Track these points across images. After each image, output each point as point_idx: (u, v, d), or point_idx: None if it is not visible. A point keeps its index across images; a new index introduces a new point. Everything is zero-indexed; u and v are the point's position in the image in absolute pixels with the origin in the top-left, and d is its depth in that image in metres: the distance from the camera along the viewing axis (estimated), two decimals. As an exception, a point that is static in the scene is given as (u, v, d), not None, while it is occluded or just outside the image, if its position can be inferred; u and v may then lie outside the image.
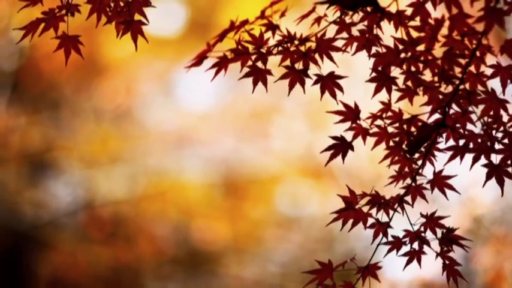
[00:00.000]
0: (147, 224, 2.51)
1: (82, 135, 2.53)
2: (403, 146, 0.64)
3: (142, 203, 2.53)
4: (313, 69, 0.64)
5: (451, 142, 0.63)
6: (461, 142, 0.63)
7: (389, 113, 0.65)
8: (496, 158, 0.62)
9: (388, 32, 0.65)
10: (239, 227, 2.53)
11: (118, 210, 2.51)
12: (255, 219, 2.57)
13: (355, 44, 0.64)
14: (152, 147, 2.54)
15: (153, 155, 2.57)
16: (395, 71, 0.64)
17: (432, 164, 0.64)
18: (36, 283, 2.44)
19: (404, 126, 0.65)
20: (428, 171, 0.65)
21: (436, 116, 0.64)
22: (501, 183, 0.62)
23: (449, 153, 0.63)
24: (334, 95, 0.64)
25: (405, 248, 0.63)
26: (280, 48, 0.64)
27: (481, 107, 0.63)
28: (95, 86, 2.55)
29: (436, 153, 0.64)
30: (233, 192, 2.59)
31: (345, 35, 0.64)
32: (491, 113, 0.63)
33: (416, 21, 0.63)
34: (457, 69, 0.64)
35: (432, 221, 0.63)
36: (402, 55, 0.64)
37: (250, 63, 0.64)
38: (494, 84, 0.64)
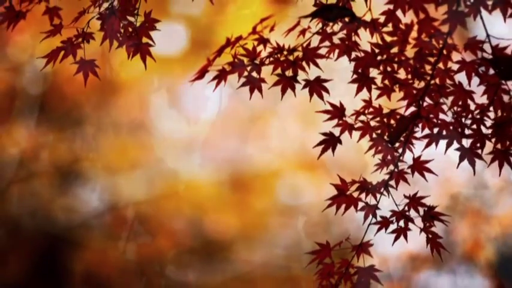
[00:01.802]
0: (165, 221, 2.51)
1: (104, 146, 2.54)
2: (385, 137, 0.64)
3: (160, 202, 2.54)
4: (301, 75, 0.64)
5: (426, 131, 0.63)
6: (435, 130, 0.63)
7: (371, 109, 0.65)
8: (466, 142, 0.62)
9: (365, 38, 0.65)
10: (246, 217, 2.53)
11: (139, 209, 2.51)
12: (259, 209, 2.56)
13: (337, 51, 0.64)
14: (166, 153, 2.55)
15: (167, 160, 2.58)
16: (373, 72, 0.64)
17: (411, 151, 0.64)
18: (71, 278, 2.45)
19: (385, 120, 0.65)
20: (408, 158, 0.65)
21: (412, 109, 0.64)
22: (472, 164, 0.62)
23: (425, 140, 0.63)
24: (321, 97, 0.64)
25: (392, 226, 0.63)
26: (271, 58, 0.64)
27: (451, 98, 0.63)
28: (112, 102, 2.55)
29: (413, 141, 0.64)
30: (239, 187, 2.59)
31: (327, 43, 0.64)
32: (460, 103, 0.63)
33: (389, 27, 0.63)
34: (428, 67, 0.64)
35: (415, 201, 0.63)
36: (379, 57, 0.64)
37: (246, 73, 0.64)
38: (461, 77, 0.64)
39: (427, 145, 0.62)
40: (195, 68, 0.68)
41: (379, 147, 0.63)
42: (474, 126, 0.62)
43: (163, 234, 2.48)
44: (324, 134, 0.64)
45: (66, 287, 2.44)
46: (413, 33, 0.63)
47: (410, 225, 0.62)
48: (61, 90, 2.46)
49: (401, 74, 0.64)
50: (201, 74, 0.66)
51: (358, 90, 0.64)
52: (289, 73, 0.63)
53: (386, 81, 0.64)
